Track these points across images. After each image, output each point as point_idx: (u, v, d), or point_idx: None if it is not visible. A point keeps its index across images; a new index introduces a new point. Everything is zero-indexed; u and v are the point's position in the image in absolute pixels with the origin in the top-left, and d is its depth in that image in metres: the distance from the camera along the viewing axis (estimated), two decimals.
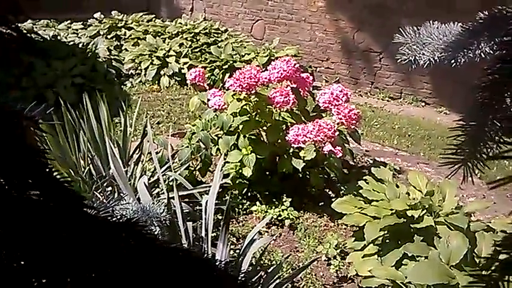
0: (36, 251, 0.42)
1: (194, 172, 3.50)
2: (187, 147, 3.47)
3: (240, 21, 7.44)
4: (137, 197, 2.38)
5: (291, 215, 3.33)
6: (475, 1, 3.67)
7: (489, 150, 0.66)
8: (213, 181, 2.54)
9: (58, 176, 0.47)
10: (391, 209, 2.65)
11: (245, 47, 6.50)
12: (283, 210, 3.35)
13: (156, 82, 6.16)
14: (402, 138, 5.13)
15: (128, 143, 3.19)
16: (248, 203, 3.45)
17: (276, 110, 3.45)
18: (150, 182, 2.77)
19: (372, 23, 6.23)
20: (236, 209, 3.38)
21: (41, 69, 4.97)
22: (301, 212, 3.44)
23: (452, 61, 0.91)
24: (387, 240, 2.63)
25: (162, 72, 6.21)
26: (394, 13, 5.82)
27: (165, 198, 2.46)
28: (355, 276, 2.81)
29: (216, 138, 3.58)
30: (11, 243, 0.41)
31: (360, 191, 2.92)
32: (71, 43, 6.14)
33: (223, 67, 6.00)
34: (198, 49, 6.49)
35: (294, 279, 2.73)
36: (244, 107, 3.40)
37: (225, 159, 3.28)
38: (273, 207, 3.37)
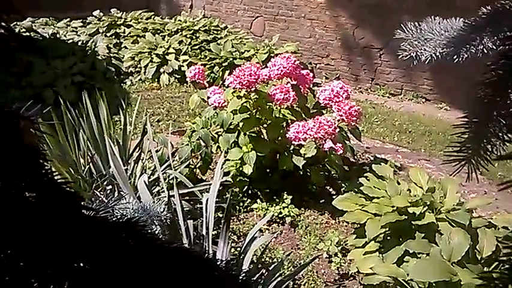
0: (34, 252, 0.41)
1: (194, 170, 3.49)
2: (188, 145, 3.46)
3: (240, 18, 7.42)
4: (137, 195, 2.37)
5: (292, 212, 3.33)
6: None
7: (493, 147, 0.65)
8: (214, 179, 2.53)
9: (56, 177, 0.46)
10: (392, 206, 2.64)
11: (245, 44, 6.48)
12: (284, 207, 3.34)
13: (156, 80, 6.15)
14: (403, 134, 5.12)
15: (127, 141, 3.18)
16: (249, 200, 3.45)
17: (276, 107, 3.44)
18: (150, 180, 2.76)
19: (372, 19, 6.21)
20: (237, 206, 3.38)
21: (40, 68, 4.96)
22: (302, 209, 3.43)
23: (455, 57, 0.90)
24: (388, 237, 2.62)
25: (161, 70, 6.19)
26: (395, 10, 5.80)
27: (165, 197, 2.46)
28: (357, 274, 2.80)
29: (216, 136, 3.57)
30: (8, 244, 0.41)
31: (361, 188, 2.91)
32: (70, 41, 6.12)
33: (223, 64, 5.99)
34: (197, 46, 6.47)
35: (296, 277, 2.73)
36: (245, 104, 3.39)
37: (225, 157, 3.27)
38: (274, 205, 3.36)
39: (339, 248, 2.99)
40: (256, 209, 3.38)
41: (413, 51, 1.07)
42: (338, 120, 3.37)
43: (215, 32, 6.81)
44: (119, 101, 3.86)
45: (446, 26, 1.03)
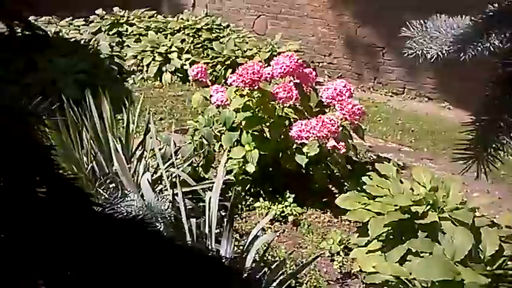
0: (45, 247, 0.41)
1: (197, 168, 3.49)
2: (190, 143, 3.46)
3: (242, 16, 7.41)
4: (140, 193, 2.38)
5: (294, 211, 3.33)
6: None
7: (502, 145, 0.65)
8: (217, 177, 2.53)
9: (65, 174, 0.46)
10: (395, 205, 2.64)
11: (247, 43, 6.47)
12: (286, 206, 3.34)
13: (158, 78, 6.14)
14: (406, 133, 5.11)
15: (130, 139, 3.18)
16: (251, 199, 3.45)
17: (279, 106, 3.44)
18: (153, 178, 2.76)
19: (375, 18, 6.20)
20: (239, 205, 3.37)
21: (43, 65, 4.96)
22: (305, 208, 3.43)
23: (461, 55, 0.90)
24: (391, 236, 2.62)
25: (164, 69, 6.18)
26: (398, 8, 5.78)
27: (168, 195, 2.46)
28: (359, 273, 2.80)
29: (219, 134, 3.56)
30: (20, 239, 0.41)
31: (364, 187, 2.91)
32: (73, 40, 6.12)
33: (226, 63, 5.98)
34: (200, 45, 6.46)
35: (298, 276, 2.73)
36: (247, 102, 3.38)
37: (228, 155, 3.27)
38: (276, 204, 3.36)
39: (342, 246, 2.99)
40: (258, 207, 3.38)
41: (419, 49, 1.06)
42: (341, 119, 3.36)
43: (218, 30, 6.80)
44: (121, 99, 3.86)
45: (453, 24, 1.02)
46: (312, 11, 6.71)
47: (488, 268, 2.25)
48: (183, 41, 6.49)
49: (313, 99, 3.71)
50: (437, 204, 2.63)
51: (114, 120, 3.23)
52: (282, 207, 3.33)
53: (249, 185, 3.45)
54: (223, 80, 5.25)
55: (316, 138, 3.24)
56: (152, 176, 2.76)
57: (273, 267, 2.34)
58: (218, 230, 2.44)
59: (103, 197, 2.32)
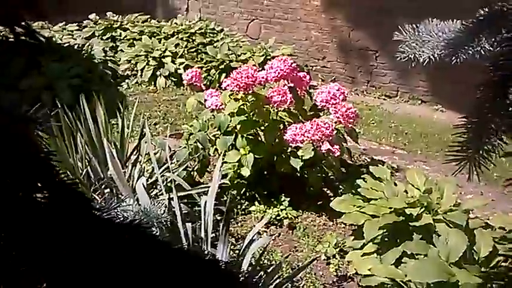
0: (45, 251, 0.41)
1: (192, 173, 3.49)
2: (185, 148, 3.46)
3: (236, 20, 7.43)
4: (136, 198, 2.37)
5: (290, 214, 3.33)
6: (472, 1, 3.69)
7: (493, 147, 0.66)
8: (212, 181, 2.53)
9: (65, 178, 0.46)
10: (390, 208, 2.66)
11: (241, 47, 6.49)
12: (281, 210, 3.35)
13: (153, 83, 6.14)
14: (399, 136, 5.14)
15: (125, 144, 3.18)
16: (247, 203, 3.45)
17: (274, 110, 3.45)
18: (148, 183, 2.76)
19: (367, 22, 6.24)
20: (235, 209, 3.38)
21: (38, 70, 4.94)
22: (300, 211, 3.44)
23: (453, 58, 0.91)
24: (386, 239, 2.63)
25: (158, 73, 6.19)
26: (390, 12, 5.83)
27: (163, 199, 2.46)
28: (355, 275, 2.81)
29: (213, 138, 3.57)
30: (21, 244, 0.41)
31: (359, 190, 2.92)
32: (66, 45, 6.11)
33: (220, 67, 5.99)
34: (194, 49, 6.47)
35: (294, 279, 2.73)
36: (242, 106, 3.39)
37: (223, 159, 3.28)
38: (272, 207, 3.37)
39: (337, 249, 3.00)
40: (254, 211, 3.38)
41: (412, 53, 1.08)
42: (335, 122, 3.38)
43: (211, 35, 6.82)
44: (116, 104, 3.86)
45: (444, 28, 1.04)
46: (305, 15, 6.74)
47: (482, 269, 2.27)
48: (177, 45, 6.50)
49: (307, 102, 3.73)
50: (432, 206, 2.65)
51: (109, 125, 3.23)
52: (278, 211, 3.33)
53: (244, 189, 3.46)
54: (218, 84, 5.26)
55: (310, 141, 3.26)
56: (147, 180, 2.76)
57: (269, 270, 2.34)
58: (214, 234, 2.44)
59: (98, 202, 2.32)
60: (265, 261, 2.88)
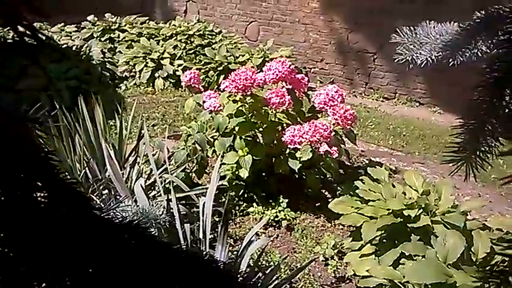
0: (45, 251, 0.42)
1: (190, 174, 3.49)
2: (183, 149, 3.46)
3: (234, 22, 7.45)
4: (134, 199, 2.37)
5: (288, 216, 3.34)
6: (470, 3, 3.70)
7: (490, 148, 0.67)
8: (210, 183, 2.53)
9: (65, 178, 0.47)
10: (388, 209, 2.66)
11: (239, 49, 6.50)
12: (280, 211, 3.35)
13: (151, 84, 6.14)
14: (397, 138, 5.15)
15: (123, 145, 3.18)
16: (245, 204, 3.45)
17: (272, 111, 3.46)
18: (146, 184, 2.76)
19: (366, 24, 6.26)
20: (233, 210, 3.38)
21: (35, 72, 4.94)
22: (298, 212, 3.44)
23: (450, 60, 0.92)
24: (384, 240, 2.64)
25: (156, 75, 6.19)
26: (388, 14, 5.85)
27: (161, 201, 2.46)
28: (353, 277, 2.81)
29: (212, 140, 3.57)
30: (20, 244, 0.41)
31: (357, 191, 2.93)
32: (65, 46, 6.11)
33: (218, 69, 6.00)
34: (192, 51, 6.49)
35: (292, 280, 2.73)
36: (240, 108, 3.40)
37: (221, 161, 3.28)
38: (270, 209, 3.37)
39: (335, 251, 3.00)
40: (252, 212, 3.38)
41: (409, 55, 1.09)
42: (333, 124, 3.39)
43: (210, 36, 6.83)
44: (114, 105, 3.86)
45: (441, 30, 1.05)
46: (304, 17, 6.76)
47: (480, 270, 2.28)
48: (175, 47, 6.51)
49: (306, 104, 3.74)
50: (430, 208, 2.65)
51: (107, 126, 3.23)
52: (276, 212, 3.34)
53: (242, 190, 3.46)
54: (216, 86, 5.27)
55: (308, 143, 3.26)
56: (146, 181, 2.76)
57: (267, 272, 2.34)
58: (212, 236, 2.44)
59: (96, 203, 2.31)
60: (264, 262, 2.88)
